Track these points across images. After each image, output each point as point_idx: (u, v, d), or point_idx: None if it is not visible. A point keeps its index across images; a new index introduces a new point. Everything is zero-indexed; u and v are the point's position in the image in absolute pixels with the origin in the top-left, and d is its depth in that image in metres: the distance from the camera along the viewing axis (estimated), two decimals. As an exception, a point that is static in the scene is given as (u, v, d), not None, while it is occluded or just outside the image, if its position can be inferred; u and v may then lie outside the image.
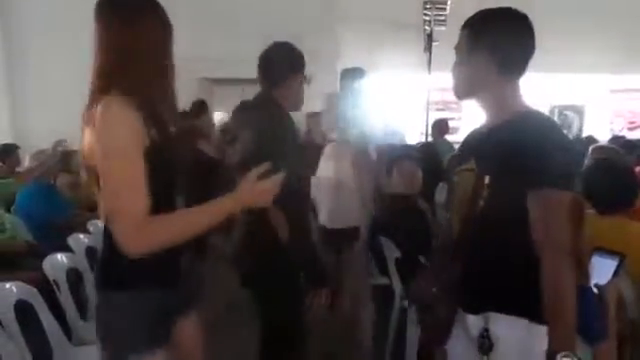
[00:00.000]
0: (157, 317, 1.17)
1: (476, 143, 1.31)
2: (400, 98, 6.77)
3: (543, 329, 1.14)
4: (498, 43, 1.20)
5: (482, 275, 1.22)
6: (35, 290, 1.97)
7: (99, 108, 1.07)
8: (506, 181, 1.16)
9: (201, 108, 4.97)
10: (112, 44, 1.14)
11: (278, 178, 1.19)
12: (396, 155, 2.87)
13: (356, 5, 6.53)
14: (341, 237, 2.64)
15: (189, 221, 1.12)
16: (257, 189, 1.17)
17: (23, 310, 1.87)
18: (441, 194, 3.53)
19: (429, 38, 6.01)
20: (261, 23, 6.40)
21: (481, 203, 1.20)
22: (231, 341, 3.00)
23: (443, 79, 7.25)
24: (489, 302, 1.22)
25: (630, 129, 7.18)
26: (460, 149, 1.52)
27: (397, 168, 2.73)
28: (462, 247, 1.27)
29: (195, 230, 1.12)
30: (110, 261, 1.16)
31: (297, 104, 1.96)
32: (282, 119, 1.80)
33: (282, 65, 1.87)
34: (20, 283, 1.95)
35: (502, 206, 1.17)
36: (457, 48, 1.28)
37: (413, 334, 2.49)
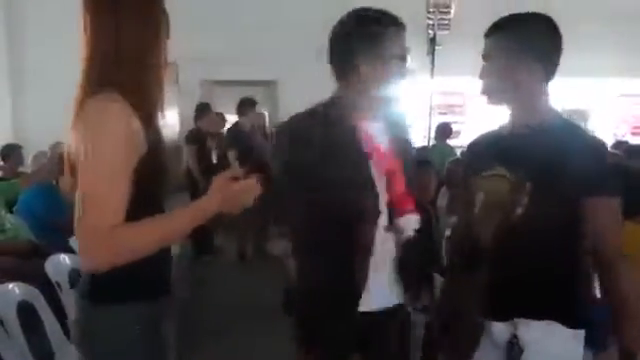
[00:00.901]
0: (152, 331, 1.10)
1: (506, 148, 1.23)
2: (403, 101, 6.76)
3: (575, 333, 1.18)
4: (542, 47, 1.20)
5: (517, 281, 1.19)
6: (37, 291, 1.97)
7: (90, 107, 0.98)
8: (555, 188, 1.13)
9: (204, 111, 5.00)
10: (107, 34, 1.01)
11: (253, 181, 1.06)
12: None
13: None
14: None
15: (157, 230, 1.02)
16: (230, 192, 1.04)
17: (25, 311, 1.87)
18: (443, 199, 3.52)
19: (432, 42, 6.02)
20: (263, 25, 6.43)
21: (519, 210, 1.15)
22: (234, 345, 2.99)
23: (446, 83, 7.23)
24: (521, 308, 1.20)
25: (634, 134, 7.17)
26: (478, 155, 1.36)
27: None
28: (496, 255, 1.21)
29: (165, 239, 1.05)
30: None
31: (374, 105, 1.30)
32: (318, 133, 1.23)
33: (345, 46, 1.27)
34: (22, 284, 1.95)
35: (548, 213, 1.14)
36: (491, 54, 1.24)
37: (416, 338, 2.49)
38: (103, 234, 0.94)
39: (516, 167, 1.18)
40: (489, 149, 1.30)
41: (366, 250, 1.23)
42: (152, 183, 1.04)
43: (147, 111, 1.02)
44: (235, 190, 1.04)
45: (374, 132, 1.30)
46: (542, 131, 1.20)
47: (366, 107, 1.29)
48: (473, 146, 1.41)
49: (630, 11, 6.33)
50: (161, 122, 1.10)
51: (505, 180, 1.19)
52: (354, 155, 1.25)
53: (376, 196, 1.25)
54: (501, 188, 1.19)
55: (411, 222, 1.24)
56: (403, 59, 1.30)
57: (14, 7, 6.65)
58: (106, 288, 1.06)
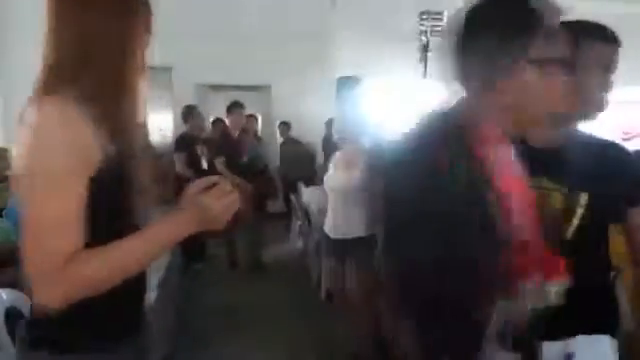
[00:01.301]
0: None
1: (543, 158, 1.14)
2: (395, 107, 6.80)
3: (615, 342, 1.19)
4: None
5: (573, 296, 1.13)
6: (26, 297, 1.94)
7: (37, 111, 0.81)
8: (607, 198, 1.12)
9: (189, 114, 4.89)
10: (70, 25, 0.86)
11: (227, 187, 0.89)
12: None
13: (354, 14, 6.57)
14: (348, 247, 2.56)
15: (123, 258, 0.84)
16: (203, 204, 0.87)
17: (13, 317, 1.85)
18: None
19: (425, 48, 6.06)
20: (260, 30, 6.44)
21: (575, 222, 1.12)
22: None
23: (439, 89, 7.32)
24: (577, 325, 1.17)
25: (624, 140, 7.24)
26: None
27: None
28: None
29: (133, 268, 0.86)
30: (43, 315, 0.84)
31: (525, 124, 0.94)
32: (433, 157, 0.84)
33: (498, 39, 0.86)
34: (10, 290, 1.92)
35: (599, 225, 1.15)
36: (614, 65, 1.18)
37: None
38: (58, 267, 0.78)
39: (564, 178, 1.12)
40: (534, 161, 1.03)
41: (480, 318, 0.87)
42: (117, 198, 0.88)
43: (112, 116, 0.85)
44: (208, 202, 0.87)
45: (514, 162, 0.90)
46: (589, 141, 1.20)
47: (510, 126, 0.90)
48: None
49: (616, 20, 6.41)
50: (135, 129, 0.92)
51: (554, 192, 1.13)
52: (480, 193, 0.84)
53: (504, 252, 0.85)
54: (553, 201, 1.13)
55: (551, 293, 0.87)
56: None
57: (2, 7, 6.61)
58: (58, 333, 0.86)
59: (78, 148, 0.81)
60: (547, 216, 1.11)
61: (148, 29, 0.93)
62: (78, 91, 0.82)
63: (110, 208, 0.86)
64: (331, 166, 2.72)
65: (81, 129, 0.81)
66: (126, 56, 0.88)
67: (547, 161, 1.15)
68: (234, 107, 4.52)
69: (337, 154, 2.74)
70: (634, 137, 7.40)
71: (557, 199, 1.13)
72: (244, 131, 4.68)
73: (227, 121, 4.70)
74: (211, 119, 5.96)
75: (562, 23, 1.09)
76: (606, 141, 1.23)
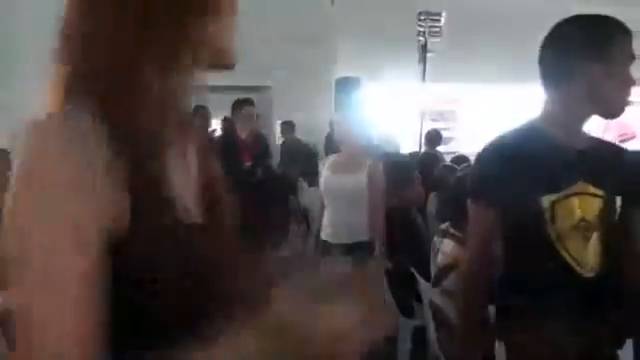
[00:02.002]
0: None
1: (579, 162, 1.14)
2: (395, 108, 6.80)
3: None
4: None
5: (620, 302, 1.17)
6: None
7: (31, 134, 0.51)
8: (637, 200, 1.16)
9: (195, 114, 4.76)
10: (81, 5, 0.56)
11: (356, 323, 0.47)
12: (403, 168, 2.86)
13: (353, 16, 6.57)
14: (346, 252, 2.56)
15: None
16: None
17: (8, 318, 1.83)
18: (432, 204, 3.53)
19: (423, 49, 6.05)
20: (259, 33, 6.43)
21: (612, 227, 1.15)
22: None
23: (438, 89, 7.28)
24: (627, 332, 1.20)
25: (620, 141, 7.25)
26: (526, 169, 1.13)
27: (404, 182, 2.72)
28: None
29: None
30: None
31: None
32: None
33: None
34: (3, 291, 1.91)
35: (633, 227, 1.17)
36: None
37: (405, 346, 2.48)
38: None
39: (601, 181, 1.14)
40: (548, 163, 1.13)
41: None
42: (148, 285, 0.54)
43: (141, 142, 0.54)
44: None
45: None
46: (613, 144, 1.24)
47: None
48: (504, 159, 1.17)
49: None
50: (181, 162, 0.60)
51: (591, 196, 1.13)
52: None
53: None
54: (593, 205, 1.13)
55: None
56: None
57: (9, 8, 6.60)
58: None
59: (91, 202, 0.50)
60: (587, 220, 1.13)
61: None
62: (94, 103, 0.52)
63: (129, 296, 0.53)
64: (326, 169, 2.71)
65: (98, 165, 0.50)
66: (163, 46, 0.57)
67: (588, 164, 1.15)
68: (243, 104, 3.90)
69: (332, 157, 2.73)
70: (630, 138, 7.41)
71: (596, 203, 1.14)
72: (251, 132, 4.02)
73: (236, 121, 4.12)
74: (214, 120, 5.92)
75: (589, 18, 1.14)
76: (617, 144, 1.29)
